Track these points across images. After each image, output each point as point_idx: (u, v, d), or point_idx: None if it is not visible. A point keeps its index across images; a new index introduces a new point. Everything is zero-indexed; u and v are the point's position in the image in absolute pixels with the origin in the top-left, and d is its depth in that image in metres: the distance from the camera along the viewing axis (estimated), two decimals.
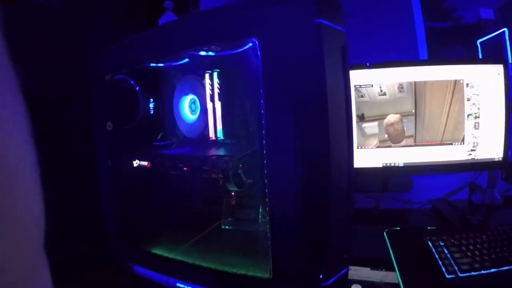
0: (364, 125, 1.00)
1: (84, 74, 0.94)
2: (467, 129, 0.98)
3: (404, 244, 0.87)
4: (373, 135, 1.01)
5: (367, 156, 1.02)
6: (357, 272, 0.81)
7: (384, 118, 1.00)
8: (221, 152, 0.83)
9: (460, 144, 0.99)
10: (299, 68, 0.55)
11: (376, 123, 1.00)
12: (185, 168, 0.85)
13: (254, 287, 0.67)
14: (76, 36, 1.02)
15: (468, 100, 0.97)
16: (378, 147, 1.01)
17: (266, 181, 0.62)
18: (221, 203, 0.95)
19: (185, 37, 0.74)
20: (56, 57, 0.99)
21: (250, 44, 0.69)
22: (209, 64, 0.86)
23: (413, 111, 0.98)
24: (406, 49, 1.30)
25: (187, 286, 0.78)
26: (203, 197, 0.95)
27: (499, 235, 0.81)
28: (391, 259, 0.82)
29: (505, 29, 1.64)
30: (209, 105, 0.86)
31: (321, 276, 0.57)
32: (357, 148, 1.01)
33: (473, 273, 0.72)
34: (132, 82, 0.93)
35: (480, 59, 1.63)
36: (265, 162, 0.61)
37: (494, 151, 0.99)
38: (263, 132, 0.60)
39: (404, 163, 1.01)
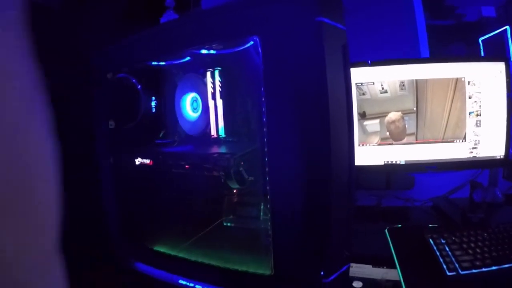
0: (366, 122, 1.00)
1: (85, 74, 0.94)
2: (468, 127, 0.98)
3: (406, 241, 0.87)
4: (375, 132, 1.01)
5: (369, 153, 1.02)
6: (358, 269, 0.82)
7: (385, 116, 1.00)
8: (222, 149, 0.84)
9: (462, 142, 0.99)
10: (300, 66, 0.55)
11: (377, 120, 1.00)
12: (187, 166, 0.85)
13: (256, 283, 0.68)
14: (76, 36, 1.02)
15: (470, 98, 0.97)
16: (379, 144, 1.01)
17: (267, 178, 0.62)
18: (223, 201, 0.96)
19: (187, 36, 0.74)
20: (56, 57, 0.99)
21: (252, 42, 0.69)
22: (210, 62, 0.86)
23: (415, 108, 0.98)
24: (407, 47, 1.30)
25: (189, 283, 0.78)
26: (205, 195, 0.96)
27: (500, 233, 0.81)
28: (393, 256, 0.82)
29: (507, 27, 1.63)
30: (211, 103, 0.87)
31: (322, 273, 0.58)
32: (359, 145, 1.01)
33: (474, 271, 0.72)
34: (133, 80, 0.94)
35: (482, 56, 1.62)
36: (266, 159, 0.61)
37: (495, 149, 0.99)
38: (264, 129, 0.60)
39: (405, 161, 1.01)
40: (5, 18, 0.21)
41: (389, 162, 1.02)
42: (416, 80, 0.97)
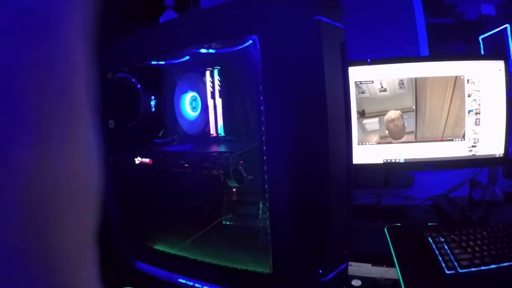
0: (365, 121, 1.01)
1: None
2: (467, 125, 0.98)
3: (405, 240, 0.87)
4: (374, 131, 1.01)
5: (368, 152, 1.02)
6: (357, 267, 0.82)
7: (384, 114, 1.00)
8: (222, 148, 0.84)
9: (461, 140, 0.99)
10: (298, 64, 0.55)
11: (376, 119, 1.00)
12: (186, 165, 0.85)
13: (255, 282, 0.68)
14: None
15: (469, 96, 0.97)
16: (378, 143, 1.01)
17: (266, 177, 0.62)
18: (222, 200, 0.96)
19: (186, 35, 0.74)
20: None
21: (250, 42, 0.69)
22: (209, 62, 0.87)
23: (414, 107, 0.99)
24: (407, 45, 1.30)
25: (189, 281, 0.79)
26: (204, 194, 0.96)
27: (499, 232, 0.81)
28: (392, 255, 0.82)
29: (507, 25, 1.63)
30: (210, 102, 0.87)
31: (320, 271, 0.58)
32: (358, 144, 1.01)
33: (473, 269, 0.72)
34: (133, 80, 0.94)
35: (481, 55, 1.62)
36: (265, 158, 0.61)
37: (495, 147, 0.99)
38: (263, 128, 0.60)
39: (404, 159, 1.01)
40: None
41: (389, 161, 1.02)
42: (415, 79, 0.97)
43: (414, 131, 1.00)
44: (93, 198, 0.24)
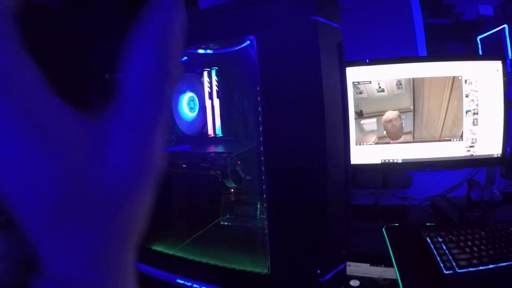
0: (363, 121, 1.01)
1: (83, 73, 0.94)
2: (465, 126, 0.98)
3: (403, 240, 0.88)
4: (372, 131, 1.01)
5: (366, 152, 1.02)
6: (356, 268, 0.82)
7: (382, 115, 1.00)
8: (219, 149, 0.84)
9: (459, 140, 0.99)
10: (296, 65, 0.55)
11: (374, 119, 1.00)
12: (184, 165, 0.85)
13: (253, 282, 0.68)
14: (75, 35, 1.02)
15: (467, 96, 0.97)
16: (376, 143, 1.01)
17: (264, 177, 0.62)
18: (220, 200, 0.96)
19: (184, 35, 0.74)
20: (55, 56, 0.99)
21: (248, 42, 0.69)
22: (207, 62, 0.87)
23: (412, 107, 0.99)
24: (405, 45, 1.31)
25: (187, 282, 0.78)
26: (202, 194, 0.96)
27: (497, 232, 0.81)
28: (390, 255, 0.82)
29: (505, 25, 1.63)
30: (208, 102, 0.87)
31: (318, 272, 0.58)
32: (356, 144, 1.01)
33: (471, 269, 0.72)
34: None
35: (479, 55, 1.62)
36: (262, 158, 0.61)
37: (493, 147, 0.99)
38: (260, 128, 0.60)
39: (402, 159, 1.02)
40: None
41: (386, 161, 1.02)
42: (413, 79, 0.98)
43: (412, 131, 1.00)
44: None
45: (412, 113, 0.99)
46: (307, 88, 0.54)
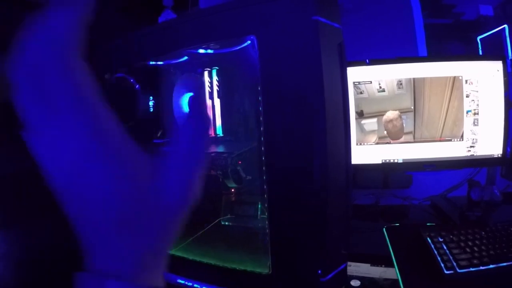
0: (363, 121, 1.01)
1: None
2: (466, 126, 0.98)
3: (403, 240, 0.88)
4: (372, 131, 1.01)
5: (367, 152, 1.02)
6: (356, 268, 0.82)
7: (383, 115, 1.00)
8: (220, 149, 0.84)
9: (459, 140, 0.99)
10: (297, 65, 0.55)
11: (375, 119, 1.00)
12: None
13: (254, 282, 0.68)
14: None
15: (467, 96, 0.97)
16: (377, 143, 1.01)
17: (264, 177, 0.62)
18: (221, 200, 0.96)
19: (185, 35, 0.74)
20: None
21: (249, 42, 0.69)
22: (208, 62, 0.87)
23: (412, 107, 0.99)
24: (405, 45, 1.31)
25: (188, 282, 0.78)
26: (202, 194, 0.96)
27: (497, 232, 0.81)
28: (390, 255, 0.82)
29: (505, 25, 1.63)
30: (208, 102, 0.87)
31: (319, 272, 0.58)
32: (356, 144, 1.01)
33: (471, 269, 0.72)
34: (131, 80, 0.93)
35: (479, 55, 1.62)
36: (263, 158, 0.61)
37: (493, 147, 0.99)
38: (261, 128, 0.60)
39: (403, 159, 1.02)
40: None
41: (387, 161, 1.02)
42: (414, 79, 0.98)
43: (413, 132, 1.00)
44: None
45: (412, 113, 0.99)
46: (308, 88, 0.54)
